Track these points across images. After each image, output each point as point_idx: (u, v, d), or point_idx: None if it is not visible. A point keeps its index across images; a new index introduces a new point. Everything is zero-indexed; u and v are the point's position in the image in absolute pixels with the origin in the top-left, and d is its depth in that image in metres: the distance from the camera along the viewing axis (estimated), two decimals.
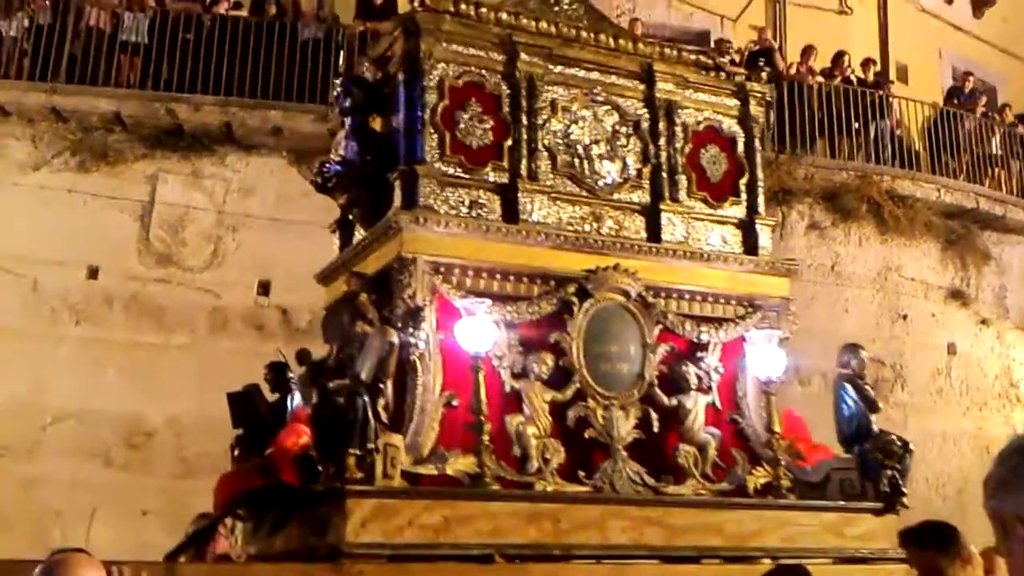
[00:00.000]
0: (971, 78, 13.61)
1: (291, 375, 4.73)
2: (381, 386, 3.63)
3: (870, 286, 10.29)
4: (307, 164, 8.68)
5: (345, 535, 3.45)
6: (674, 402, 4.54)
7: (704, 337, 4.71)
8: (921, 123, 12.19)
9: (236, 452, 4.50)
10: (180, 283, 8.36)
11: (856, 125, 10.70)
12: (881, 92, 11.31)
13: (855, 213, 10.29)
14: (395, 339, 3.65)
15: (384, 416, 3.62)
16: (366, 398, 3.55)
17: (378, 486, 3.56)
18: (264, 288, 8.51)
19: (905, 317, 10.62)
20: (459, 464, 3.96)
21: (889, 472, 4.43)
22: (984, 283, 11.47)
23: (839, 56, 10.89)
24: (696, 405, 4.56)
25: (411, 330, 4.08)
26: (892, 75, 13.25)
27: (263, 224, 8.61)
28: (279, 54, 8.85)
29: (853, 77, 11.17)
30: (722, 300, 4.83)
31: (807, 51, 10.93)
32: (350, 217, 4.83)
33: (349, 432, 3.50)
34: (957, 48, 14.68)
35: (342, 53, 8.93)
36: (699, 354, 4.69)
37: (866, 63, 11.59)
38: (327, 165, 4.52)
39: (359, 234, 4.76)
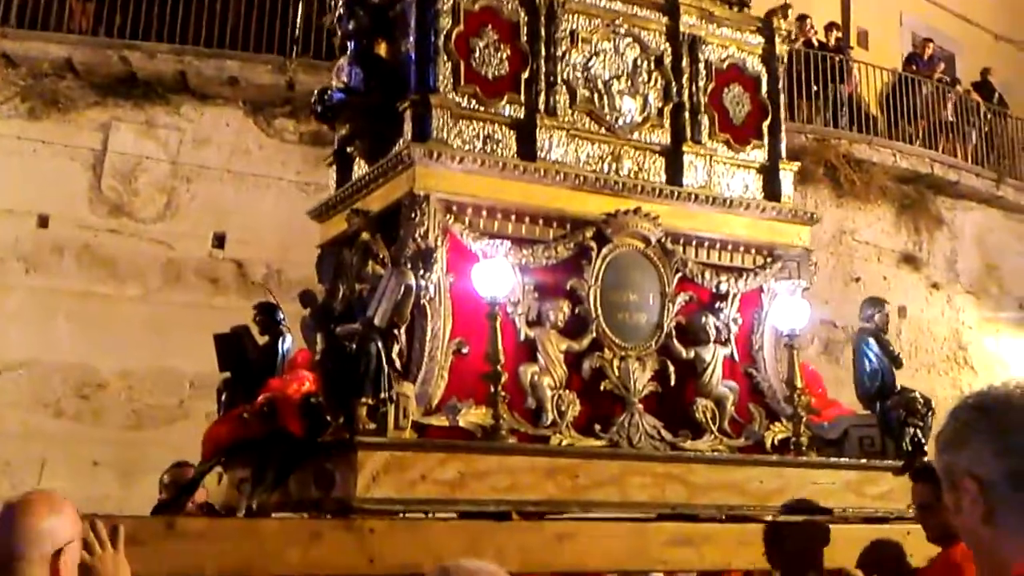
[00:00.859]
0: (931, 45, 13.84)
1: (281, 317, 4.45)
2: (396, 332, 3.36)
3: (824, 249, 10.32)
4: (264, 116, 8.50)
5: (355, 490, 3.22)
6: (692, 354, 4.34)
7: (723, 287, 4.50)
8: (880, 88, 12.39)
9: (223, 397, 4.23)
10: (133, 234, 8.20)
11: (815, 88, 10.69)
12: (842, 56, 11.38)
13: (812, 176, 10.32)
14: (412, 281, 3.39)
15: (399, 364, 3.37)
16: (379, 344, 3.29)
17: (390, 438, 3.32)
18: (219, 241, 8.39)
19: (858, 280, 10.74)
20: (471, 416, 3.73)
21: (911, 430, 4.27)
22: (936, 248, 11.73)
23: (802, 20, 10.74)
24: (714, 358, 4.36)
25: (422, 272, 3.81)
26: (853, 40, 13.41)
27: (218, 176, 8.47)
28: (236, 2, 8.59)
29: (815, 40, 11.11)
30: (742, 248, 4.62)
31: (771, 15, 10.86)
32: (349, 150, 4.52)
33: (361, 380, 3.25)
34: (917, 14, 14.79)
35: (301, 3, 8.68)
36: (718, 305, 4.48)
37: (829, 27, 11.64)
38: (328, 92, 4.19)
39: (358, 169, 4.46)
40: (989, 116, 13.32)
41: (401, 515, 3.36)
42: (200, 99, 8.55)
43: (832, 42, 11.53)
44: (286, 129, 8.69)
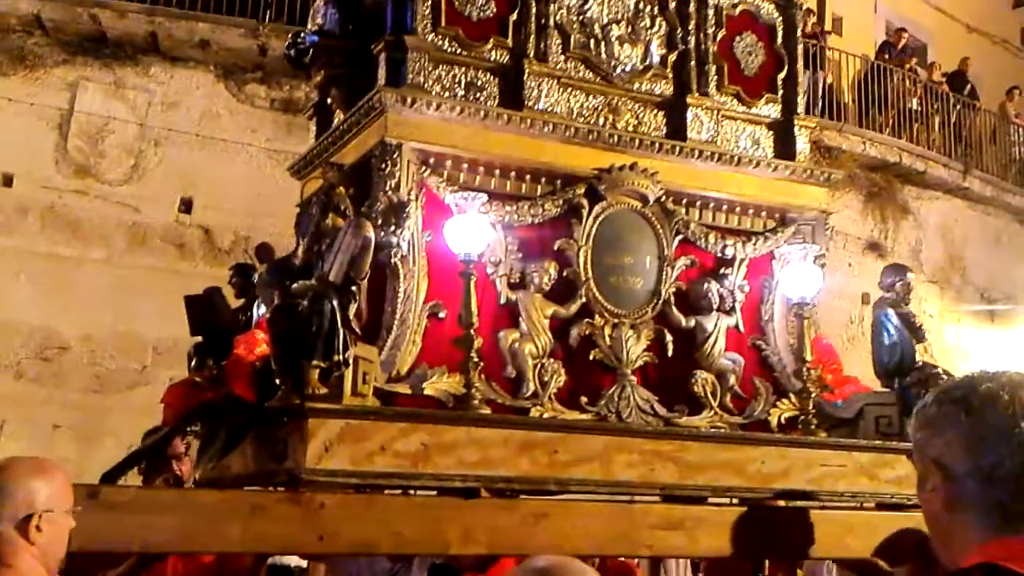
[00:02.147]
0: (905, 34, 13.94)
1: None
2: (353, 289, 3.06)
3: None
4: (235, 81, 8.37)
5: (305, 460, 2.93)
6: (692, 323, 3.99)
7: (729, 252, 4.14)
8: (852, 76, 12.52)
9: (193, 362, 3.97)
10: (98, 196, 8.14)
11: None
12: (817, 43, 11.36)
13: None
14: (371, 234, 3.08)
15: (355, 324, 3.07)
16: (334, 302, 2.99)
17: (345, 404, 3.02)
18: (186, 206, 8.34)
19: (823, 266, 10.43)
20: (443, 384, 3.43)
21: None
22: (901, 236, 11.88)
23: None
24: (716, 327, 4.01)
25: (393, 228, 3.51)
26: (827, 26, 13.52)
27: (187, 140, 8.40)
28: None
29: None
30: (751, 210, 4.26)
31: None
32: (328, 101, 4.22)
33: (312, 340, 2.95)
34: (892, 3, 15.07)
35: None
36: (722, 271, 4.13)
37: (806, 13, 11.38)
38: (302, 35, 3.88)
39: (337, 120, 4.15)
40: (958, 107, 13.41)
41: (356, 489, 3.07)
42: (170, 61, 8.45)
43: (808, 28, 11.31)
44: (257, 95, 8.57)
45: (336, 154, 3.95)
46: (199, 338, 4.05)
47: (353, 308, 3.06)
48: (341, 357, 2.97)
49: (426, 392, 3.36)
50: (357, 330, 3.07)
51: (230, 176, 8.27)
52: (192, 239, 8.30)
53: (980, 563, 1.38)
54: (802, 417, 3.84)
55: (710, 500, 3.52)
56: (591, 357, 3.78)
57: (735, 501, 3.57)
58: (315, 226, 3.22)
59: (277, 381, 2.99)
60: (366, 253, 3.04)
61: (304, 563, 4.68)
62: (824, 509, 3.59)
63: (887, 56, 13.38)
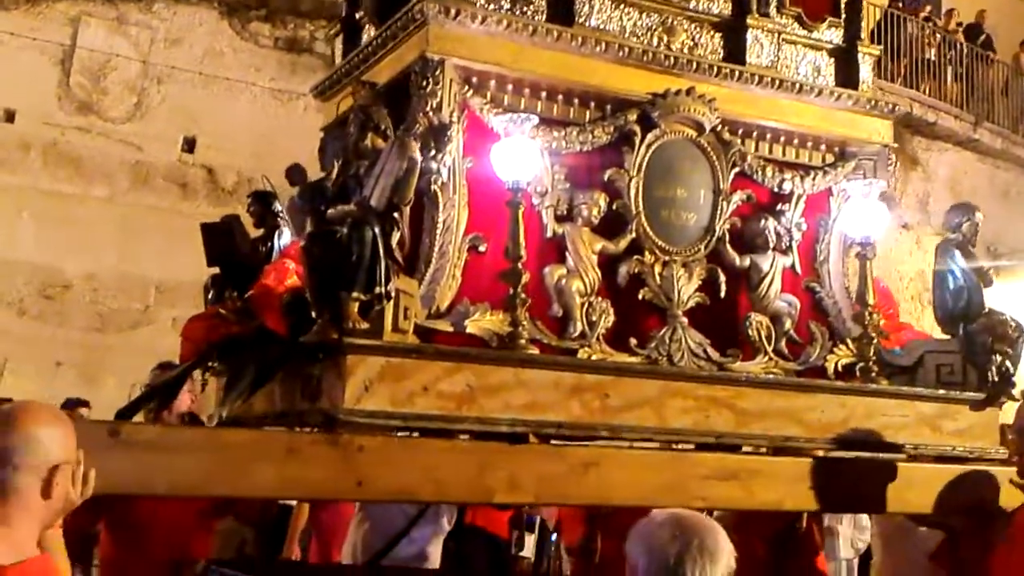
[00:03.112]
0: None
1: (279, 208, 3.92)
2: (396, 216, 2.80)
3: None
4: (238, 18, 8.14)
5: (343, 400, 2.70)
6: (746, 262, 3.74)
7: (786, 187, 3.87)
8: (869, 26, 12.27)
9: (210, 295, 3.73)
10: (101, 133, 8.01)
11: None
12: None
13: None
14: (416, 155, 2.81)
15: (398, 254, 2.81)
16: (376, 229, 2.74)
17: (387, 341, 2.79)
18: (189, 145, 8.20)
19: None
20: (485, 321, 3.19)
21: (999, 358, 3.67)
22: (910, 188, 11.71)
23: None
24: (773, 268, 3.75)
25: (433, 153, 3.23)
26: None
27: (190, 78, 8.18)
28: None
29: None
30: (810, 143, 3.97)
31: None
32: (357, 16, 3.91)
33: (353, 271, 2.70)
34: None
35: None
36: (780, 207, 3.86)
37: None
38: None
39: (367, 37, 3.84)
40: (968, 58, 13.12)
41: (397, 432, 2.85)
42: None
43: None
44: (261, 33, 8.32)
45: (367, 73, 3.66)
46: (216, 269, 3.80)
47: (396, 236, 2.80)
48: (383, 289, 2.73)
49: (469, 330, 3.12)
50: (400, 260, 2.82)
51: (234, 116, 8.15)
52: (195, 179, 8.20)
53: None
54: (862, 364, 3.60)
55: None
56: (641, 296, 3.53)
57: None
58: (353, 146, 2.95)
59: (313, 314, 2.75)
60: (411, 176, 2.78)
61: None
62: (888, 461, 3.38)
63: (900, 4, 12.96)
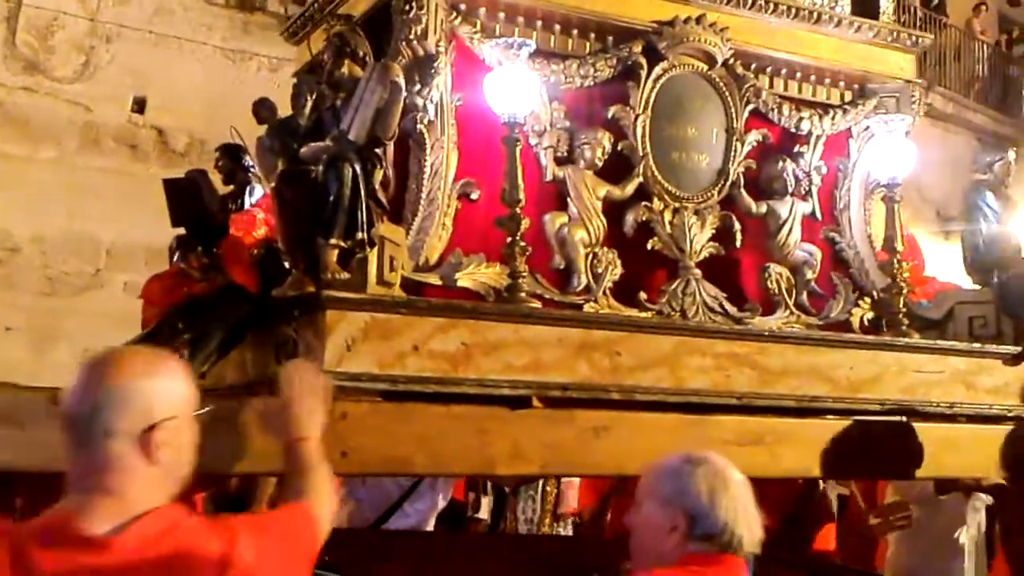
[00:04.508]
0: None
1: (249, 163, 3.57)
2: (379, 151, 2.46)
3: None
4: None
5: (322, 362, 2.37)
6: (763, 209, 3.43)
7: (804, 126, 3.55)
8: None
9: (176, 257, 3.37)
10: (48, 93, 7.78)
11: None
12: None
13: None
14: (400, 79, 2.46)
15: (383, 195, 2.48)
16: (357, 167, 2.40)
17: (371, 294, 2.45)
18: (139, 105, 7.94)
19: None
20: (480, 274, 2.87)
21: None
22: None
23: None
24: (792, 214, 3.45)
25: (418, 87, 2.90)
26: None
27: (140, 37, 7.88)
28: None
29: None
30: (828, 78, 3.66)
31: None
32: None
33: (330, 214, 2.37)
34: None
35: None
36: (798, 148, 3.54)
37: None
38: None
39: None
40: (921, 23, 13.03)
41: (384, 397, 2.52)
42: None
43: None
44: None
45: (343, 5, 3.30)
46: (181, 230, 3.45)
47: (379, 175, 2.46)
48: (365, 235, 2.39)
49: (461, 283, 2.79)
50: (384, 203, 2.48)
51: (185, 76, 7.98)
52: (146, 140, 7.97)
53: None
54: (891, 317, 3.30)
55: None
56: (650, 246, 3.22)
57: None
58: (327, 76, 2.60)
59: (286, 265, 2.41)
60: (395, 105, 2.44)
61: None
62: (924, 422, 3.09)
63: None
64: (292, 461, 2.04)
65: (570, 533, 5.01)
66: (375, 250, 2.49)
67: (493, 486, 5.04)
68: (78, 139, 7.80)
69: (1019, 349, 3.37)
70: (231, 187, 3.76)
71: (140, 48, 8.03)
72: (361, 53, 2.61)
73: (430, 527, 4.49)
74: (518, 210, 2.77)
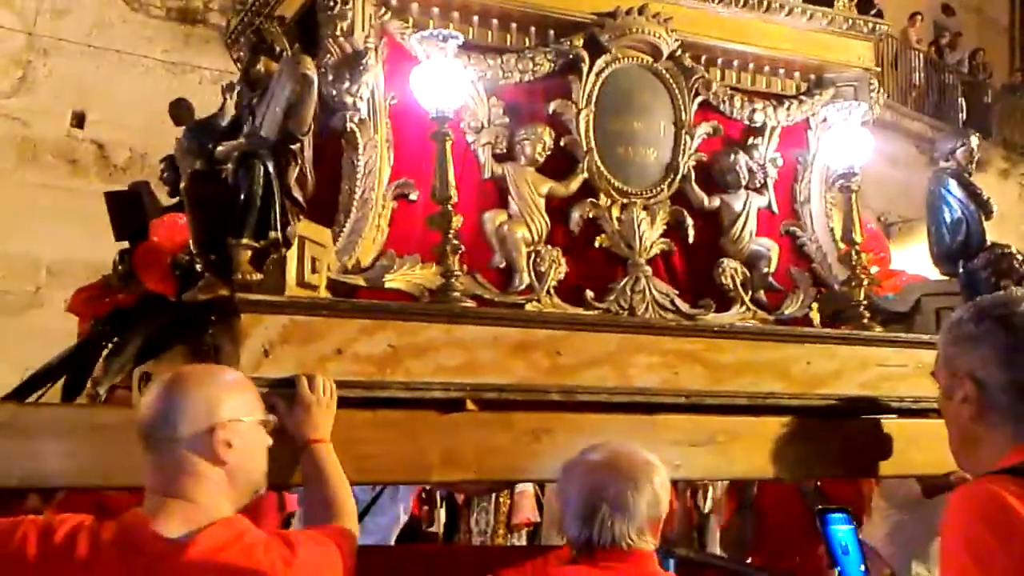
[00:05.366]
0: None
1: None
2: (294, 147, 2.37)
3: None
4: None
5: (239, 367, 2.26)
6: (716, 203, 3.33)
7: (758, 118, 3.45)
8: None
9: (120, 270, 3.29)
10: None
11: None
12: None
13: None
14: (311, 72, 2.37)
15: (298, 193, 2.38)
16: (269, 164, 2.31)
17: (289, 296, 2.35)
18: (78, 120, 7.85)
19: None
20: (415, 275, 2.77)
21: None
22: None
23: None
24: (746, 207, 3.35)
25: (347, 85, 2.81)
26: None
27: (78, 50, 7.83)
28: None
29: None
30: (782, 69, 3.56)
31: None
32: None
33: (241, 213, 2.27)
34: None
35: None
36: (751, 140, 3.44)
37: None
38: None
39: None
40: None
41: None
42: None
43: None
44: (152, 3, 8.01)
45: (279, 7, 3.23)
46: (126, 244, 3.37)
47: (294, 172, 2.37)
48: (279, 235, 2.30)
49: (390, 285, 2.70)
50: (301, 200, 2.38)
51: (125, 89, 7.91)
52: (85, 155, 7.91)
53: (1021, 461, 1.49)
54: (851, 310, 3.19)
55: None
56: (597, 244, 3.12)
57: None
58: (243, 73, 2.52)
59: (198, 268, 2.31)
60: (307, 98, 2.34)
61: None
62: (887, 417, 2.97)
63: None
64: (312, 465, 2.15)
65: (524, 543, 4.90)
66: (295, 251, 2.40)
67: (445, 498, 4.96)
68: (15, 155, 7.73)
69: None
70: (176, 199, 3.66)
71: (79, 62, 7.97)
72: (279, 49, 2.53)
73: (391, 542, 4.39)
74: (450, 207, 2.67)
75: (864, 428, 2.99)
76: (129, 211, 3.46)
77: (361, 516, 3.95)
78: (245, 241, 2.27)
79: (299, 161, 2.38)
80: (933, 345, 3.12)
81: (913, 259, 3.66)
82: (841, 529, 2.25)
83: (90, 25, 8.10)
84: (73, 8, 8.05)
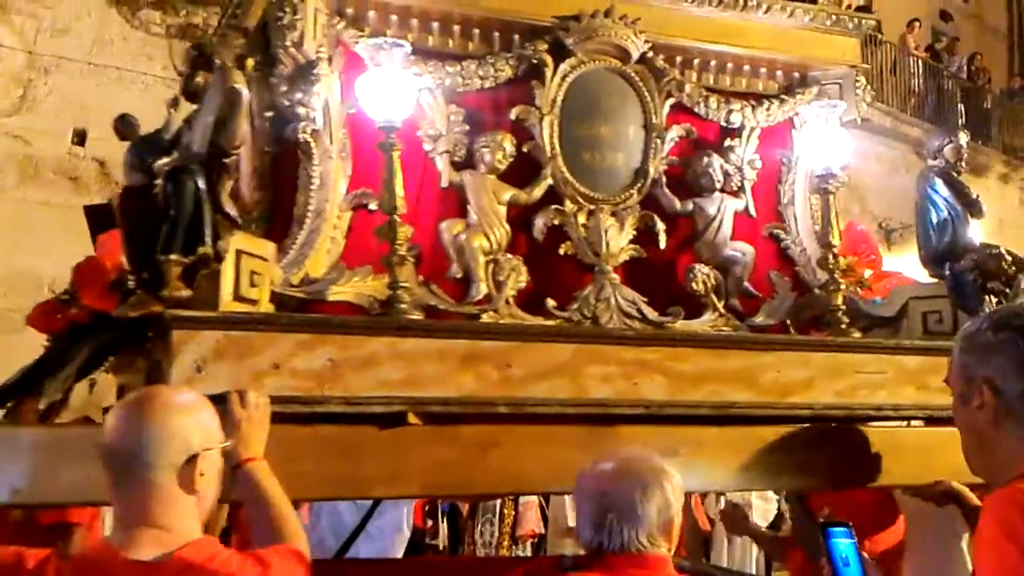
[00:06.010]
0: None
1: None
2: (227, 162, 2.35)
3: None
4: (128, 6, 7.85)
5: (170, 383, 2.25)
6: (689, 207, 3.24)
7: (735, 119, 3.36)
8: None
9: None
10: None
11: None
12: None
13: None
14: (240, 84, 2.35)
15: (232, 208, 2.36)
16: (200, 179, 2.29)
17: (221, 312, 2.34)
18: (79, 137, 7.90)
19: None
20: (366, 287, 2.74)
21: (992, 298, 3.12)
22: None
23: None
24: (721, 211, 3.25)
25: (300, 95, 2.79)
26: None
27: (79, 68, 7.87)
28: None
29: None
30: (763, 69, 3.47)
31: None
32: None
33: (172, 230, 2.26)
34: None
35: None
36: (727, 142, 3.35)
37: None
38: None
39: None
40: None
41: None
42: None
43: None
44: (152, 21, 8.06)
45: (244, 20, 3.22)
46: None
47: (227, 186, 2.35)
48: (210, 250, 2.28)
49: (339, 297, 2.67)
50: (235, 215, 2.37)
51: (125, 106, 7.83)
52: (87, 172, 7.98)
53: None
54: (830, 315, 3.08)
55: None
56: (562, 251, 3.05)
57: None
58: (182, 87, 2.51)
59: (130, 284, 2.31)
60: (236, 112, 2.32)
61: None
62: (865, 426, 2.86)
63: None
64: (251, 486, 2.11)
65: (529, 555, 4.85)
66: (231, 265, 2.38)
67: (446, 511, 4.93)
68: (17, 173, 7.85)
69: None
70: None
71: (79, 79, 8.06)
72: (218, 61, 2.51)
73: (398, 554, 4.37)
74: (396, 218, 2.63)
75: (838, 438, 2.88)
76: (108, 225, 3.49)
77: (363, 525, 3.96)
78: (174, 257, 2.26)
79: (237, 175, 2.36)
80: (913, 351, 3.04)
81: (913, 265, 3.52)
82: (842, 542, 2.24)
83: (90, 43, 8.20)
84: (73, 26, 8.17)
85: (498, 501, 5.08)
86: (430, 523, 5.05)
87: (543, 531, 5.04)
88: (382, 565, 3.95)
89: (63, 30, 8.13)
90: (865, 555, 2.20)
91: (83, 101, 8.09)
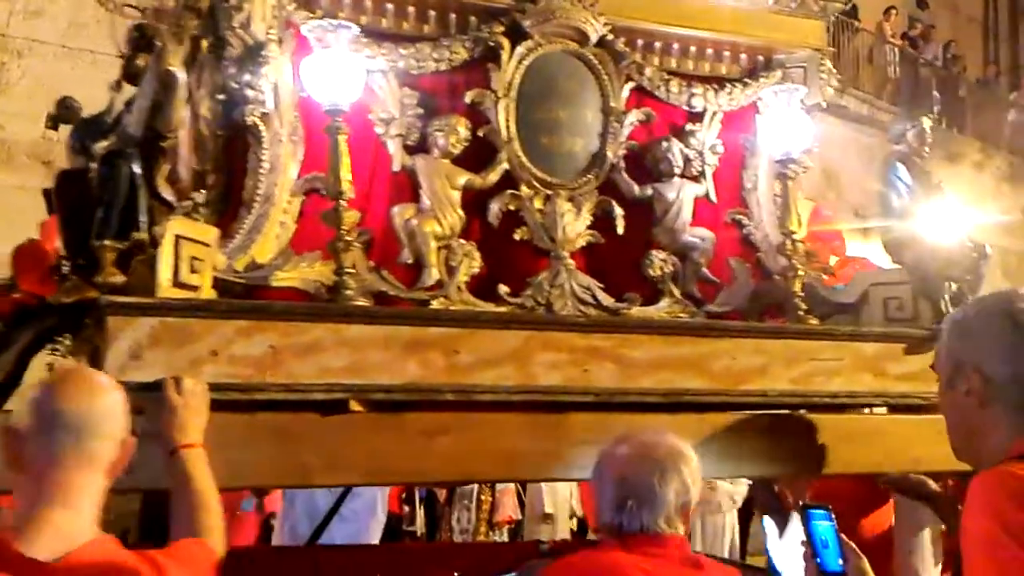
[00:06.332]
0: None
1: None
2: (164, 145, 2.32)
3: None
4: None
5: (104, 370, 2.23)
6: (648, 192, 3.21)
7: (697, 103, 3.32)
8: None
9: None
10: None
11: None
12: None
13: None
14: (175, 67, 2.32)
15: (169, 192, 2.33)
16: (135, 163, 2.26)
17: (158, 298, 2.31)
18: (53, 121, 7.72)
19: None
20: (313, 272, 2.71)
21: (953, 286, 3.09)
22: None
23: None
24: (680, 197, 3.22)
25: (248, 78, 2.75)
26: None
27: (53, 51, 7.71)
28: None
29: None
30: (727, 52, 3.42)
31: None
32: None
33: (106, 215, 2.23)
34: None
35: None
36: (688, 127, 3.31)
37: None
38: None
39: None
40: (833, 26, 13.15)
41: None
42: None
43: None
44: (126, 3, 7.92)
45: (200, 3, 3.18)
46: None
47: (164, 171, 2.32)
48: (145, 235, 2.25)
49: (284, 283, 2.64)
50: (171, 200, 2.34)
51: (100, 90, 7.76)
52: (61, 156, 7.85)
53: None
54: (787, 302, 3.05)
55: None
56: (517, 237, 3.02)
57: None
58: (123, 70, 2.48)
59: (65, 270, 2.28)
60: (171, 95, 2.29)
61: None
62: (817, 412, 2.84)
63: None
64: (179, 472, 2.08)
65: (506, 540, 4.84)
66: (169, 251, 2.35)
67: (423, 498, 4.91)
68: None
69: (932, 331, 3.08)
70: None
71: (53, 63, 7.94)
72: (159, 44, 2.47)
73: (374, 539, 4.36)
74: (343, 203, 2.60)
75: (792, 425, 2.86)
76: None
77: (336, 508, 3.94)
78: (109, 242, 2.23)
79: (175, 159, 2.33)
80: (870, 336, 3.01)
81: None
82: (822, 524, 2.24)
83: (64, 26, 8.09)
84: (47, 8, 8.06)
85: (475, 487, 5.09)
86: (407, 509, 5.05)
87: (520, 517, 5.03)
88: (358, 551, 3.94)
89: (36, 12, 8.04)
90: (844, 537, 2.19)
91: (58, 84, 8.01)
